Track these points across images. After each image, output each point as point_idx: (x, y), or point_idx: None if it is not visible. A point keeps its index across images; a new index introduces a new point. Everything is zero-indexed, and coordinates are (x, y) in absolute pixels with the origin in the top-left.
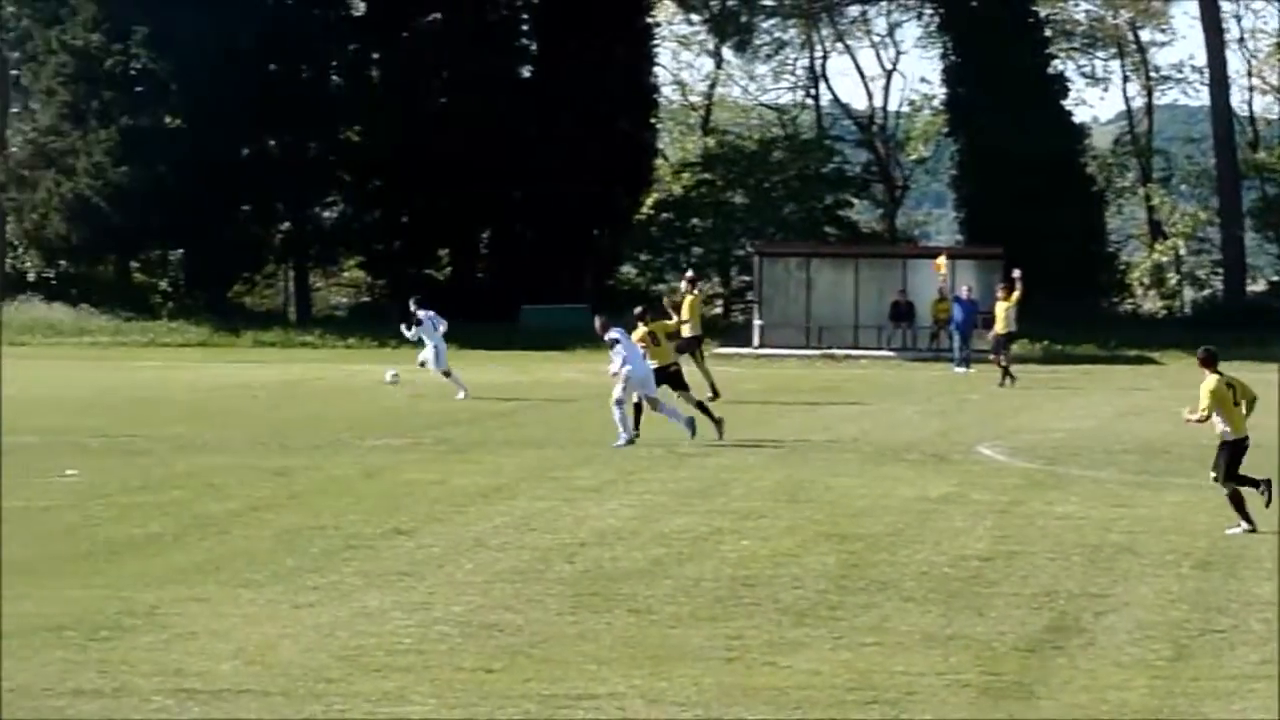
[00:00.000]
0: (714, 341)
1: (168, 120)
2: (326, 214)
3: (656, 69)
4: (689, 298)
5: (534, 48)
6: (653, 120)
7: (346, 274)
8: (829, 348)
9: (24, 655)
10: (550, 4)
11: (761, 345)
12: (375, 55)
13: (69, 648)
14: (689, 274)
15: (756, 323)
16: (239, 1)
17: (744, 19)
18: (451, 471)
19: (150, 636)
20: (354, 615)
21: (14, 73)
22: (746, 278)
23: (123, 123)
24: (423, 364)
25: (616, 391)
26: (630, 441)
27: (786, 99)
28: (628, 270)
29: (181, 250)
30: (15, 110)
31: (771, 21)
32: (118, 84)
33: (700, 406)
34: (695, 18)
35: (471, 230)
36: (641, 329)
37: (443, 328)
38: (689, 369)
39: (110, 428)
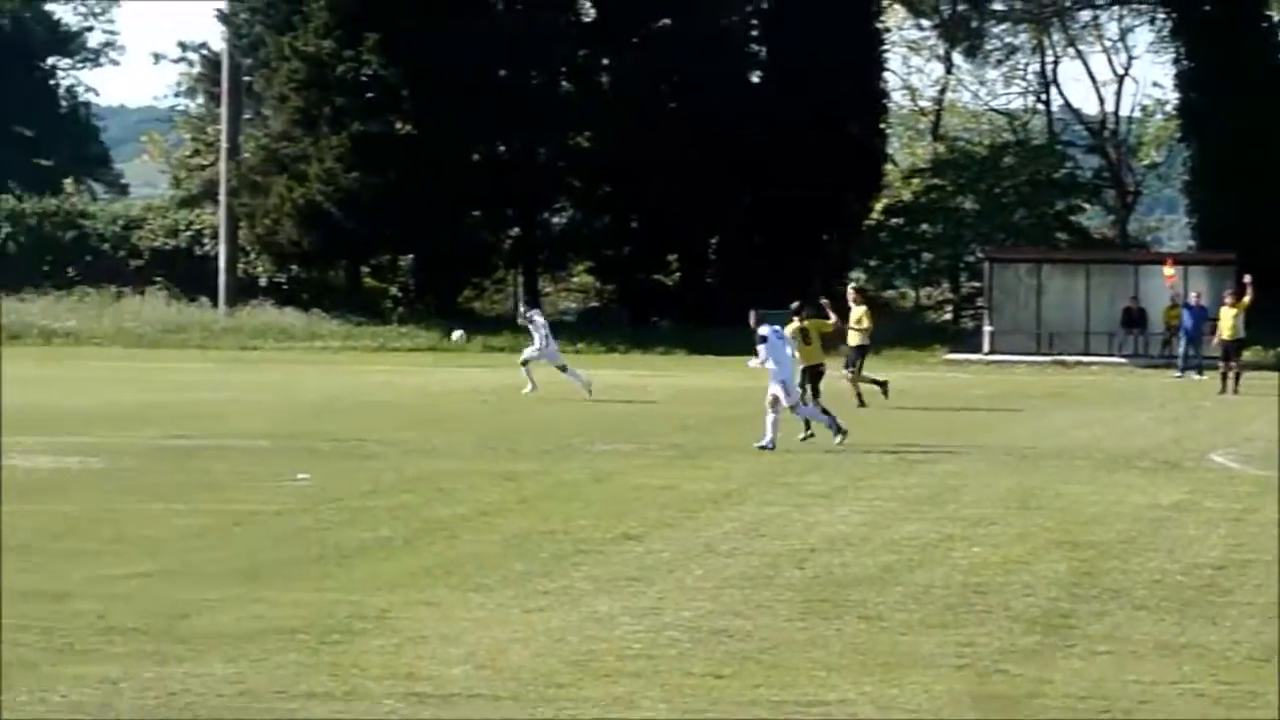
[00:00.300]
0: (943, 348)
1: (398, 126)
2: (556, 219)
3: (886, 74)
4: (857, 308)
5: (764, 53)
6: (882, 125)
7: (575, 279)
8: (1059, 354)
9: (257, 658)
10: (780, 9)
11: (992, 351)
12: (605, 60)
13: (301, 651)
14: (853, 285)
15: (987, 329)
16: (469, 7)
17: (975, 24)
18: (681, 476)
19: (381, 640)
20: (584, 620)
21: (246, 79)
22: (976, 284)
23: (354, 129)
24: (525, 362)
25: (774, 391)
26: (769, 446)
27: (1017, 104)
28: (857, 276)
29: (412, 255)
30: (248, 116)
31: (1002, 27)
32: (349, 90)
33: (824, 411)
34: (925, 23)
35: (701, 235)
36: (795, 324)
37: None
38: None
39: (341, 432)
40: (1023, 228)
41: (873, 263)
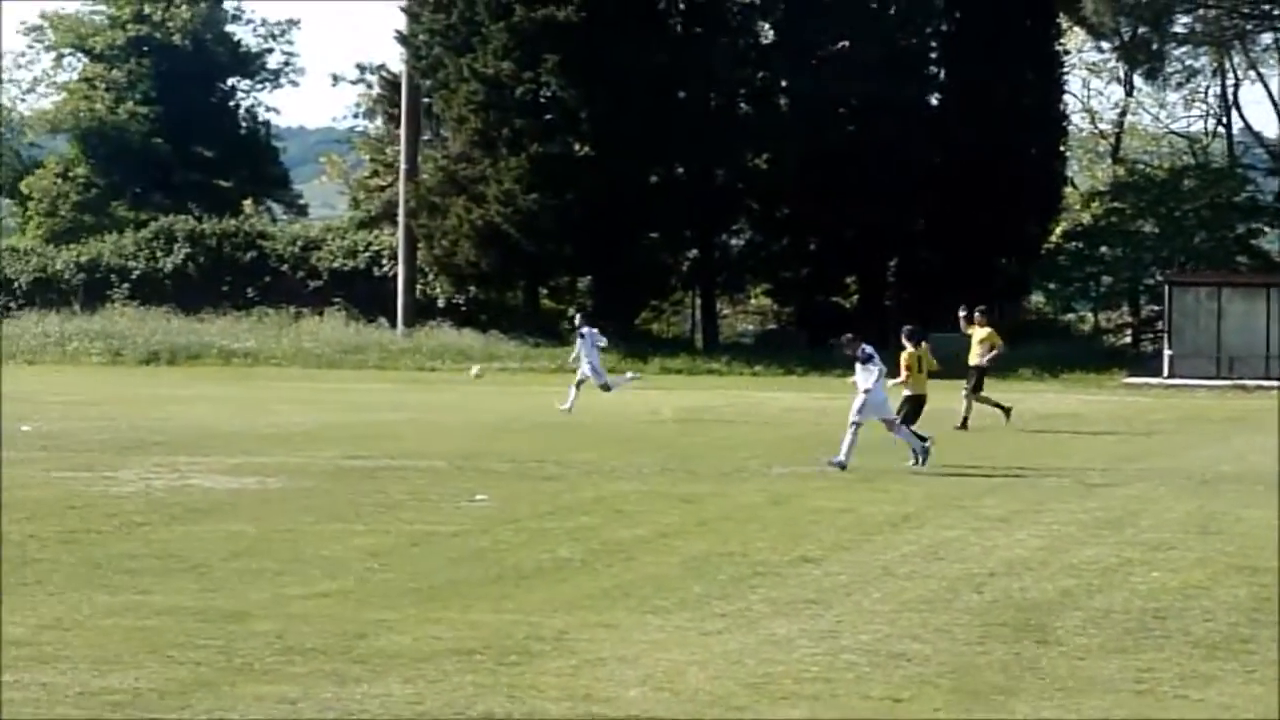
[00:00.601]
0: (1123, 371)
1: (577, 147)
2: (734, 241)
3: (1066, 97)
4: (976, 330)
5: (943, 75)
6: (1062, 148)
7: (753, 301)
8: (1240, 378)
9: (434, 679)
10: (960, 31)
11: (1171, 375)
12: (784, 82)
13: (479, 672)
14: (963, 311)
15: (1166, 352)
16: (648, 28)
17: (1155, 47)
18: (859, 499)
19: (559, 661)
20: (761, 643)
21: (425, 100)
22: (1156, 307)
23: (532, 150)
24: (580, 383)
25: (854, 414)
26: (842, 467)
27: (1197, 127)
28: (1036, 299)
29: (589, 277)
30: (426, 137)
31: (1183, 49)
32: (528, 111)
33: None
34: (1106, 45)
35: (879, 258)
36: (911, 351)
37: (602, 343)
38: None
39: (519, 453)
40: (1203, 251)
41: (1052, 286)
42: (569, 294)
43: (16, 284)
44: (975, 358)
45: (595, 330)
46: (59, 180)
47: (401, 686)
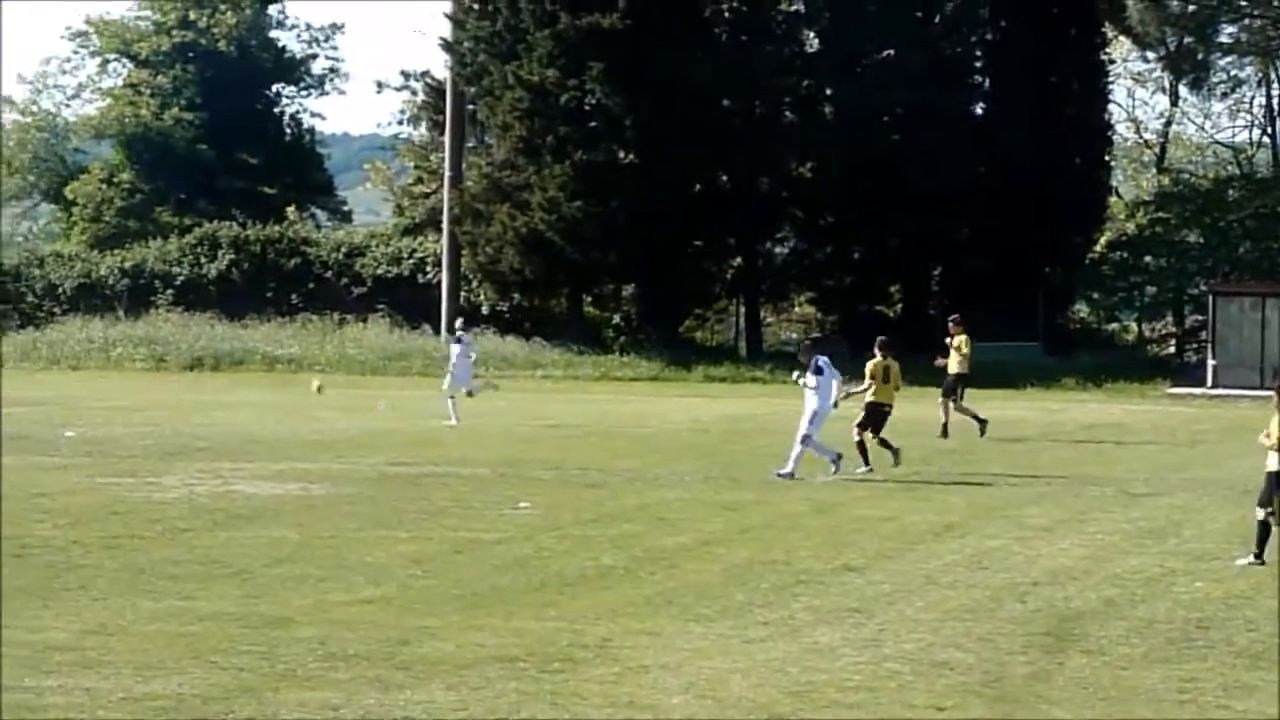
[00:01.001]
0: (1166, 381)
1: (621, 155)
2: (778, 249)
3: (1111, 106)
4: (958, 338)
5: (987, 84)
6: (1106, 158)
7: (797, 309)
8: None
9: (477, 685)
10: (1005, 40)
11: (1215, 385)
12: (828, 90)
13: (522, 679)
14: (952, 319)
15: (1210, 362)
16: (693, 37)
17: (1200, 56)
18: (902, 508)
19: (602, 669)
20: (804, 651)
21: (470, 107)
22: (1200, 317)
23: (577, 157)
24: (469, 394)
25: (805, 427)
26: (791, 476)
27: (1242, 137)
28: (1080, 308)
29: (633, 285)
30: (470, 144)
31: (1228, 59)
32: (572, 119)
33: (885, 444)
34: (1151, 55)
35: (923, 266)
36: (878, 361)
37: (474, 355)
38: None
39: (562, 460)
40: (1248, 261)
41: (1095, 295)
42: (613, 302)
43: (61, 289)
44: (954, 365)
45: (471, 339)
46: (103, 186)
47: (445, 693)
